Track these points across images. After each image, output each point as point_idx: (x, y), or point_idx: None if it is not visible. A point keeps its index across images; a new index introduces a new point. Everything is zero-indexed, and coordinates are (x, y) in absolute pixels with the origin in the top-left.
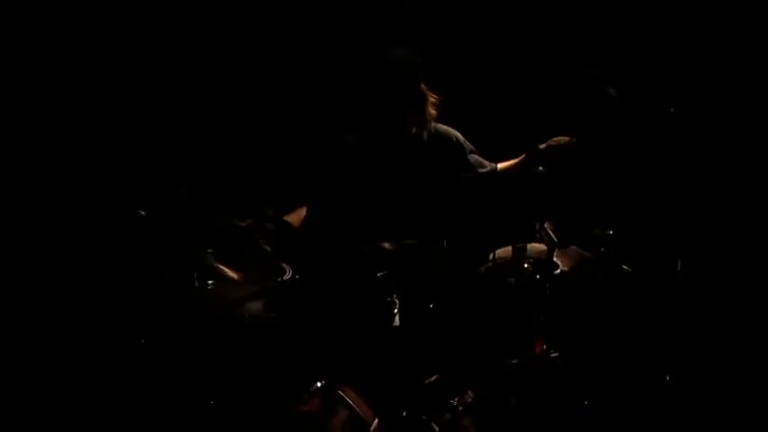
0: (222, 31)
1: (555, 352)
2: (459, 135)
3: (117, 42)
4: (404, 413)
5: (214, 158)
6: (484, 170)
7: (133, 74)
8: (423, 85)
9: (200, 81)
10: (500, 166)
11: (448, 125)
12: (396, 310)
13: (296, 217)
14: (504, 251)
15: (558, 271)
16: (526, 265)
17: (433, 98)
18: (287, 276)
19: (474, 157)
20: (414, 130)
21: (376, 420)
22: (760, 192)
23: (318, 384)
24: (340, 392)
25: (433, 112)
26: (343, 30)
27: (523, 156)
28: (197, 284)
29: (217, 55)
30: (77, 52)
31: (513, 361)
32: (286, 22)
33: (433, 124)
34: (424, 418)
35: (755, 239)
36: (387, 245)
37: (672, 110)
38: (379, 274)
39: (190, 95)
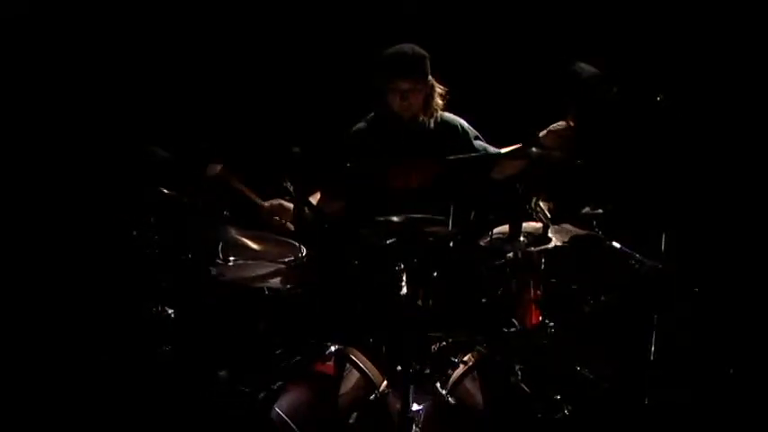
0: (231, 33)
1: (551, 322)
2: (464, 123)
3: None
4: (410, 370)
5: (238, 140)
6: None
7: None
8: (430, 77)
9: (219, 75)
10: (503, 151)
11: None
12: (403, 278)
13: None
14: (502, 229)
15: (552, 245)
16: (522, 239)
17: (439, 89)
18: (302, 255)
19: (479, 143)
20: (421, 117)
21: (385, 382)
22: (746, 173)
23: (332, 348)
24: (352, 356)
25: (439, 101)
26: (347, 28)
27: (523, 144)
28: (221, 258)
29: (226, 57)
30: (92, 40)
31: (512, 329)
32: (297, 21)
33: (440, 113)
34: (427, 372)
35: (741, 221)
36: (395, 218)
37: (659, 98)
38: (388, 242)
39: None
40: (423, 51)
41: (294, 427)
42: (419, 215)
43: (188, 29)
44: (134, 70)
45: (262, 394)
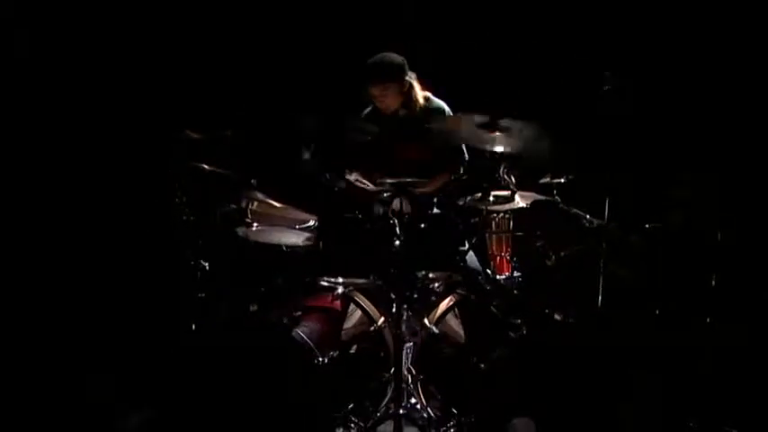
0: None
1: (518, 272)
2: (446, 106)
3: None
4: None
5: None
6: None
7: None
8: (407, 77)
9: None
10: None
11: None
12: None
13: None
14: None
15: (516, 205)
16: (491, 198)
17: (418, 85)
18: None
19: None
20: (401, 112)
21: (382, 318)
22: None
23: (339, 290)
24: (355, 297)
25: (420, 93)
26: (352, 33)
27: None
28: (249, 219)
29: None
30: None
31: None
32: (311, 30)
33: (430, 99)
34: (415, 296)
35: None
36: (388, 180)
37: (606, 88)
38: (385, 195)
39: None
40: (394, 60)
41: (311, 343)
42: (409, 178)
43: (217, 23)
44: (170, 57)
45: (285, 320)
